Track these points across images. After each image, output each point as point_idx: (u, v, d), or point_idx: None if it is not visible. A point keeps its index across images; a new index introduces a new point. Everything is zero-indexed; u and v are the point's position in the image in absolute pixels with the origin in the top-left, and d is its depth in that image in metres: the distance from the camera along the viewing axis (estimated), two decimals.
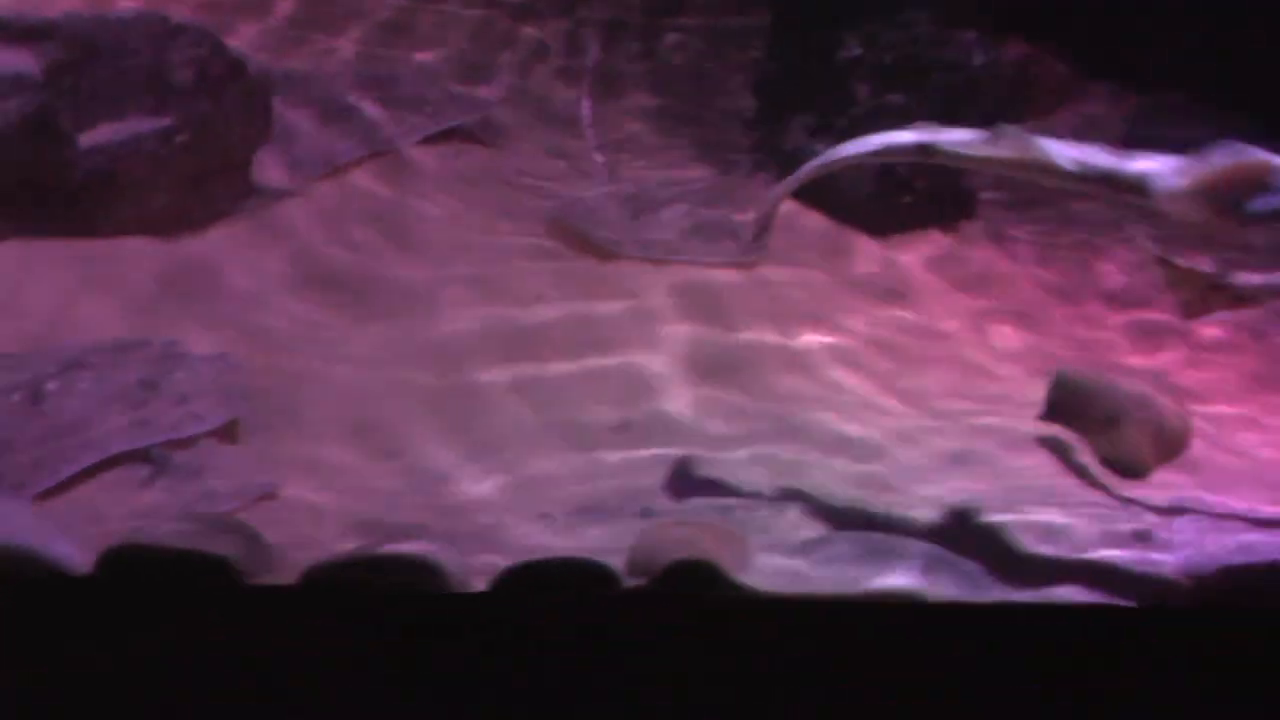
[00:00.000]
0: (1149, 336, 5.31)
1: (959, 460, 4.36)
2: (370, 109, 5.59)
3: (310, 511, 3.86)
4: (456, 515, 3.93)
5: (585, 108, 5.80)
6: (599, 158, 5.70)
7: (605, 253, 5.11)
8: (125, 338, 4.34)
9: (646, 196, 5.41)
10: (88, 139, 4.69)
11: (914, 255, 5.46)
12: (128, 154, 4.73)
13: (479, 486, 4.04)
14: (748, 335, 4.79)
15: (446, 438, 4.17)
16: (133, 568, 3.39)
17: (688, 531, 3.70)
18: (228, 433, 4.08)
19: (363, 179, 5.38)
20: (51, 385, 4.08)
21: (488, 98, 6.04)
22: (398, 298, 4.79)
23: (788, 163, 5.64)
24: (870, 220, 5.56)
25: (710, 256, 5.11)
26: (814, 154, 5.60)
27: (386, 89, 5.76)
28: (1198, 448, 4.62)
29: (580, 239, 5.14)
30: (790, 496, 4.07)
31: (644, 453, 4.24)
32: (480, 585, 3.46)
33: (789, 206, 5.55)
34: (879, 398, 4.68)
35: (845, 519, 3.93)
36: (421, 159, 5.49)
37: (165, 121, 4.79)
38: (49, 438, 3.92)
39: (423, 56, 6.27)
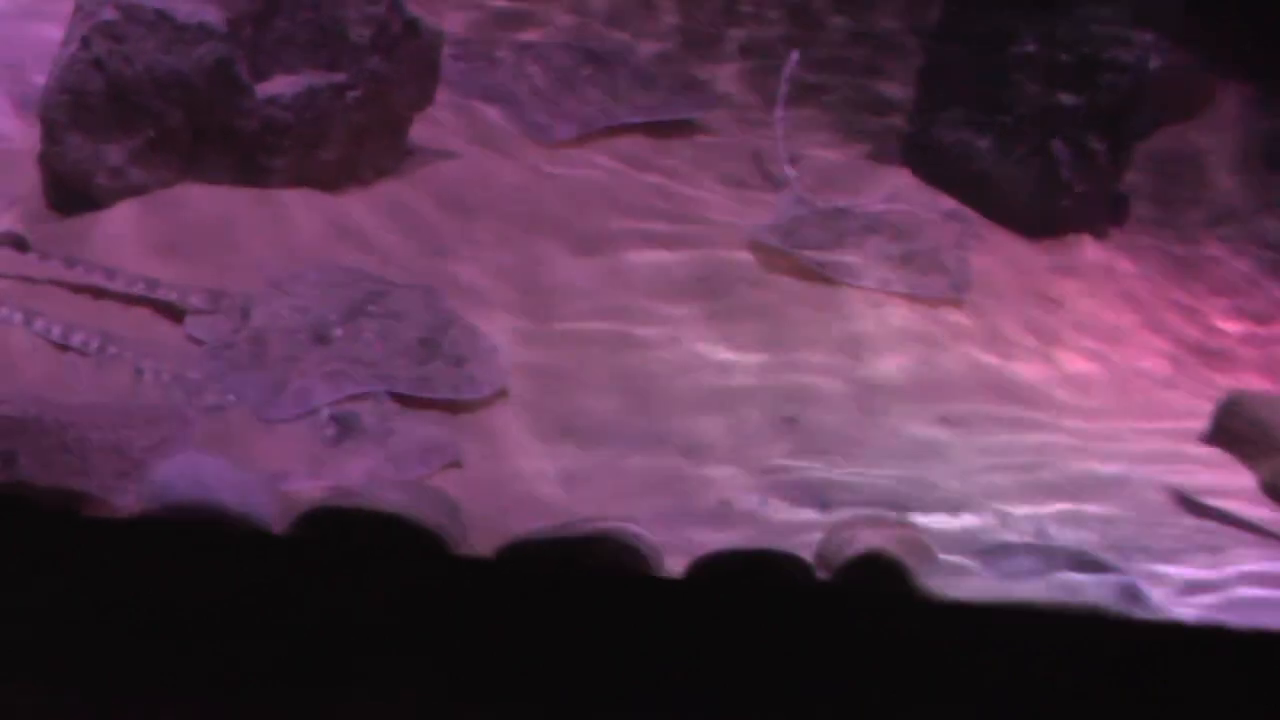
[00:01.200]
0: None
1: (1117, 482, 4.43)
2: (595, 89, 5.72)
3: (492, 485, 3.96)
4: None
5: (779, 113, 5.67)
6: (791, 171, 5.60)
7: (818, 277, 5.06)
8: (395, 281, 4.51)
9: (845, 217, 5.35)
10: (264, 90, 4.78)
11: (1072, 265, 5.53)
12: (302, 106, 4.83)
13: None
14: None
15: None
16: (332, 530, 3.49)
17: (884, 527, 3.79)
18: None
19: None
20: (337, 331, 4.27)
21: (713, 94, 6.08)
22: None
23: (942, 157, 5.75)
24: (1025, 222, 5.63)
25: (927, 291, 5.09)
26: (973, 151, 5.74)
27: (615, 69, 5.87)
28: None
29: (788, 260, 5.09)
30: (974, 503, 4.17)
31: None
32: (677, 570, 3.56)
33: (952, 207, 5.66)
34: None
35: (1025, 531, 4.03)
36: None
37: (339, 76, 4.89)
38: (337, 360, 4.15)
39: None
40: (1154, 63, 5.47)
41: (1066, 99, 5.54)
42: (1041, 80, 5.53)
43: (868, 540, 3.73)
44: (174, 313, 4.39)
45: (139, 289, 4.40)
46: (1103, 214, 5.73)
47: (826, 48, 6.57)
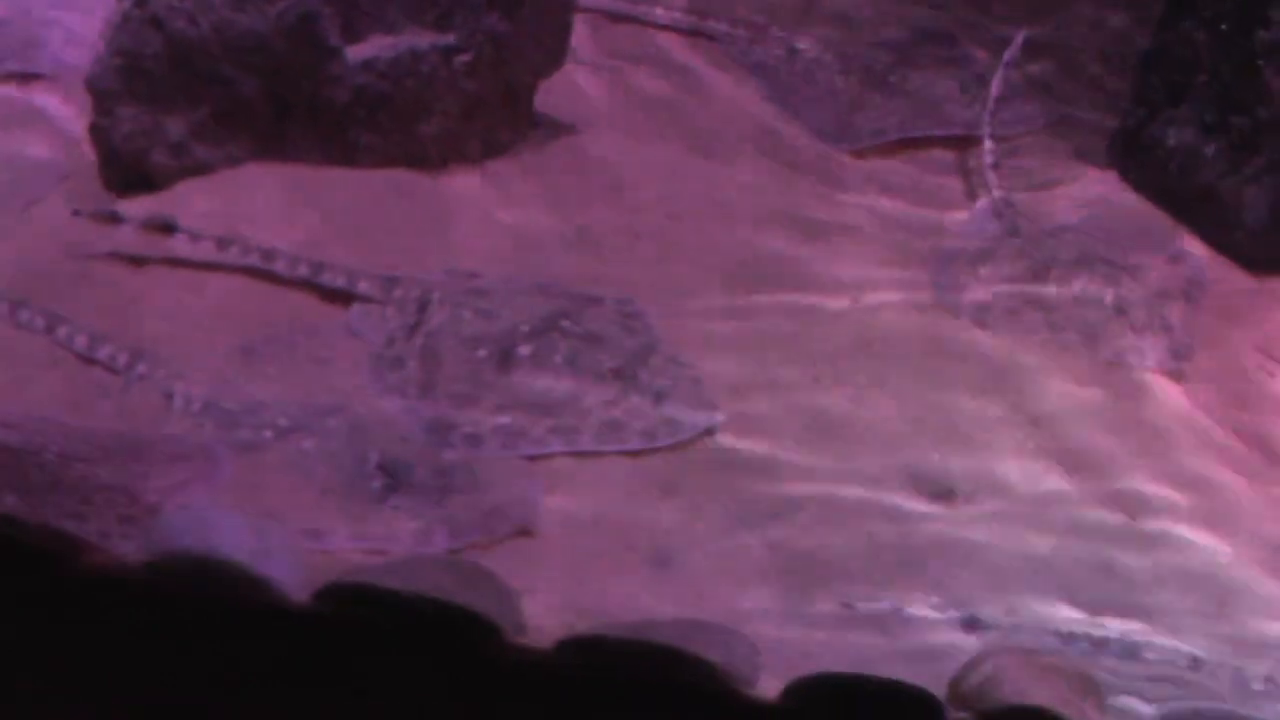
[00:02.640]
0: None
1: None
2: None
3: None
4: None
5: (990, 107, 4.90)
6: (993, 177, 4.76)
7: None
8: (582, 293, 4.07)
9: (1052, 243, 4.54)
10: (356, 53, 4.23)
11: None
12: (402, 73, 4.26)
13: None
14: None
15: None
16: (355, 607, 2.98)
17: (1042, 666, 3.10)
18: None
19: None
20: (524, 350, 3.82)
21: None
22: None
23: (1160, 163, 4.91)
24: (1254, 253, 4.70)
25: (1139, 358, 4.25)
26: (1198, 160, 4.89)
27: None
28: None
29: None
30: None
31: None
32: (768, 691, 2.96)
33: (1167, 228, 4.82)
34: None
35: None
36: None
37: (448, 38, 4.30)
38: (517, 407, 3.72)
39: None
40: None
41: None
42: None
43: (1015, 677, 3.07)
44: (342, 300, 4.00)
45: (302, 272, 4.02)
46: None
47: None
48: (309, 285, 4.05)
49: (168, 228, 4.05)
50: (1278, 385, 4.36)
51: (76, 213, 4.07)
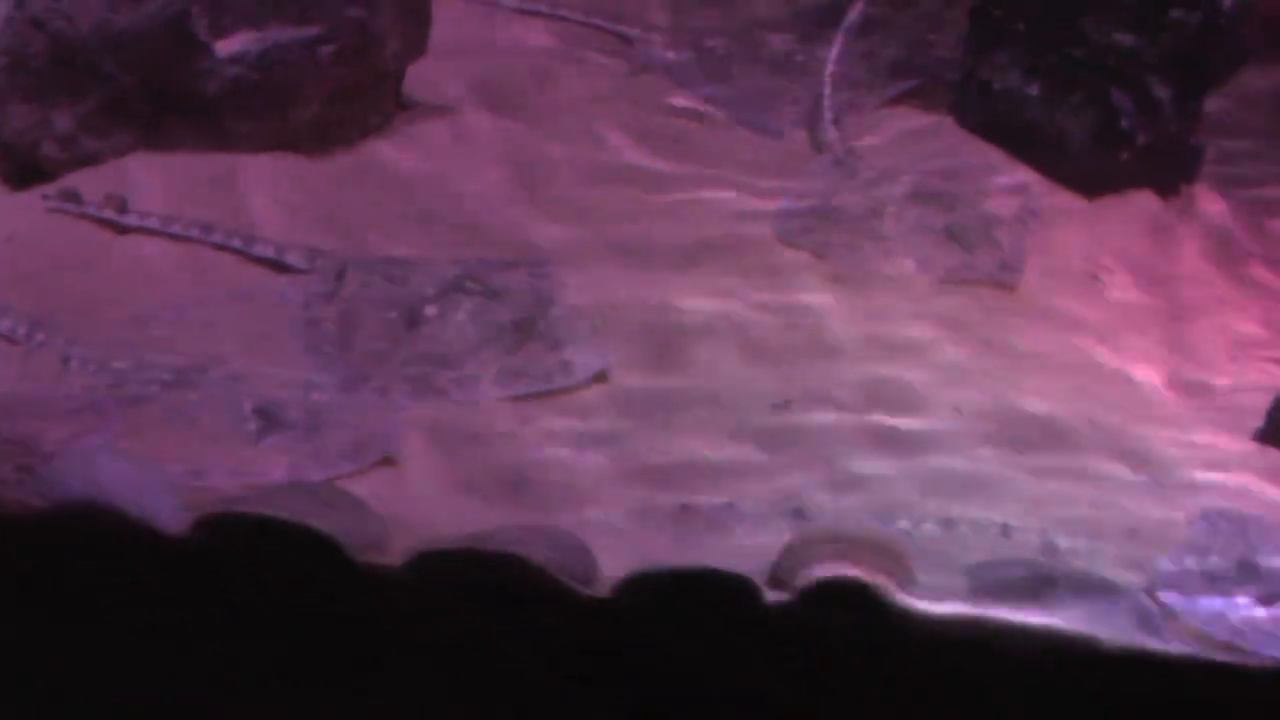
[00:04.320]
0: None
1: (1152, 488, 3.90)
2: None
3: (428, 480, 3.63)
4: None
5: (831, 67, 5.19)
6: (833, 132, 5.04)
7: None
8: (498, 258, 4.31)
9: (888, 185, 4.80)
10: (225, 47, 4.45)
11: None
12: (269, 64, 4.48)
13: None
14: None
15: None
16: (230, 536, 3.22)
17: (848, 541, 3.35)
18: None
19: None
20: (430, 310, 4.06)
21: None
22: None
23: (990, 105, 5.18)
24: (1080, 179, 4.98)
25: (973, 272, 4.56)
26: (1022, 99, 5.17)
27: None
28: None
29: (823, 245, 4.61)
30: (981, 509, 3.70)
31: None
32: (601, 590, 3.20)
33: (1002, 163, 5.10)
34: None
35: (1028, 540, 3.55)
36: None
37: (311, 30, 4.51)
38: (423, 361, 3.96)
39: None
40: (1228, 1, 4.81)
41: (1127, 40, 4.86)
42: (1100, 19, 4.88)
43: (827, 558, 3.32)
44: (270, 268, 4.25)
45: (235, 243, 4.28)
46: (1171, 169, 5.08)
47: None
48: (242, 256, 4.28)
49: (122, 206, 4.29)
50: (1102, 287, 4.69)
51: (46, 197, 4.30)
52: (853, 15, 5.41)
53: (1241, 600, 3.25)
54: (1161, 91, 4.94)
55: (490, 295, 4.11)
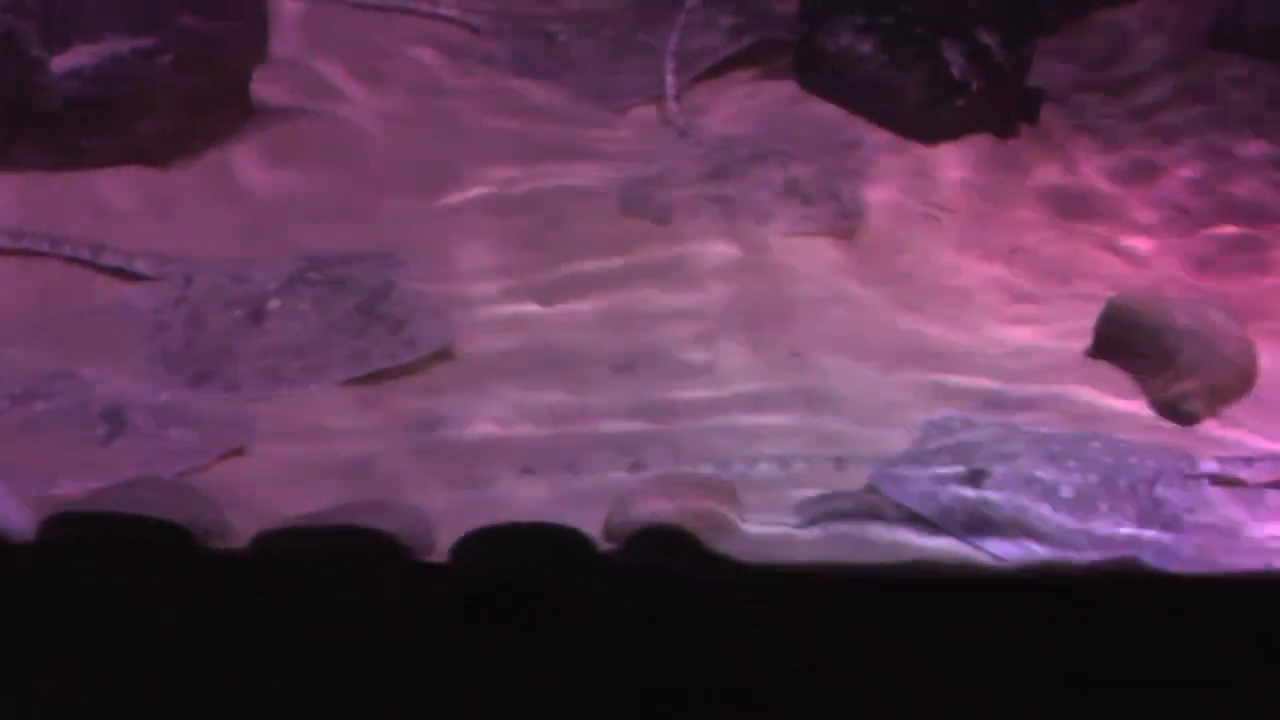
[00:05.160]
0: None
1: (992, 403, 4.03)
2: None
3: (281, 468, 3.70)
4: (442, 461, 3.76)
5: (672, 46, 5.30)
6: (674, 106, 5.15)
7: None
8: (347, 252, 4.36)
9: (729, 150, 4.92)
10: (61, 63, 4.47)
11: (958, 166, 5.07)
12: (109, 78, 4.52)
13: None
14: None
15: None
16: (77, 534, 3.29)
17: (672, 490, 3.45)
18: None
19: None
20: (273, 304, 4.12)
21: None
22: None
23: (829, 66, 5.30)
24: (920, 129, 5.14)
25: (811, 224, 4.66)
26: (858, 57, 5.28)
27: None
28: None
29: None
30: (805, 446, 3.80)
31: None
32: (440, 554, 3.29)
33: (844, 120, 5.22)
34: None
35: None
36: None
37: (147, 40, 4.55)
38: (271, 354, 4.03)
39: None
40: None
41: None
42: None
43: (657, 507, 3.42)
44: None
45: (84, 254, 4.31)
46: (1007, 114, 5.21)
47: None
48: (92, 267, 4.31)
49: None
50: (940, 227, 4.83)
51: None
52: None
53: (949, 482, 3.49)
54: (990, 40, 5.09)
55: (334, 284, 4.16)
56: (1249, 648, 3.07)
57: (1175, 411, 4.07)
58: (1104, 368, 4.20)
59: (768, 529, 3.42)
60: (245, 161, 4.81)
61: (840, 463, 3.68)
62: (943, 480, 3.47)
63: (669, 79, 5.21)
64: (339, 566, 3.25)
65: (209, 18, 4.62)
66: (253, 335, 4.08)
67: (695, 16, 5.47)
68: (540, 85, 5.34)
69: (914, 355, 4.19)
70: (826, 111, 5.23)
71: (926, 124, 5.14)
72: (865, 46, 5.17)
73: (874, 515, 3.45)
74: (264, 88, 4.98)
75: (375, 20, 5.58)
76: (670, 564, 3.23)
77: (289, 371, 4.00)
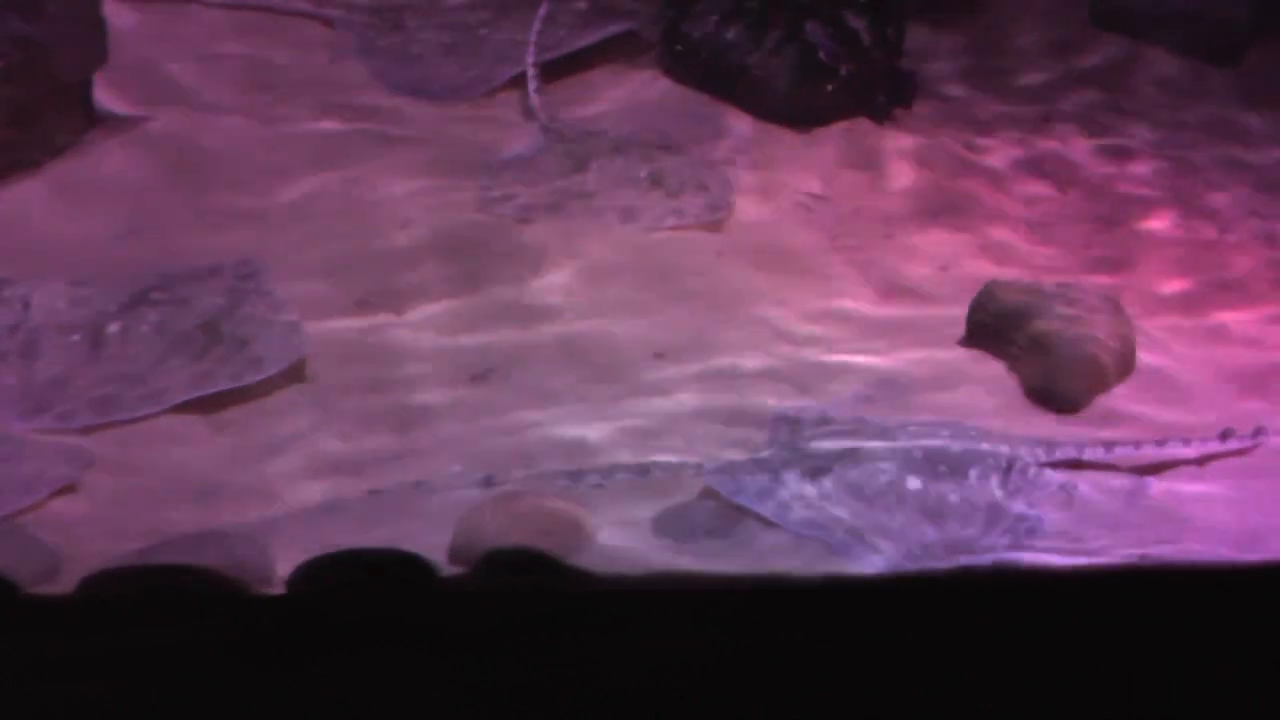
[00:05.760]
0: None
1: (865, 399, 3.91)
2: None
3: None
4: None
5: (533, 37, 5.12)
6: (536, 100, 4.97)
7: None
8: (199, 266, 4.16)
9: (592, 140, 4.76)
10: None
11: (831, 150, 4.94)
12: None
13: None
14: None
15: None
16: None
17: (520, 508, 3.29)
18: None
19: None
20: (113, 327, 3.91)
21: None
22: None
23: (695, 55, 5.14)
24: (791, 114, 5.01)
25: (677, 219, 4.50)
26: (723, 45, 5.13)
27: None
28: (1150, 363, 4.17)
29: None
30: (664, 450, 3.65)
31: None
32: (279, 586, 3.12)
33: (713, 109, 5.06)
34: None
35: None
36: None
37: None
38: (109, 381, 3.83)
39: None
40: None
41: None
42: None
43: (501, 527, 3.26)
44: None
45: None
46: (879, 97, 5.09)
47: None
48: None
49: None
50: (811, 214, 4.69)
51: None
52: None
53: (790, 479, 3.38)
54: (857, 23, 4.96)
55: (177, 303, 3.96)
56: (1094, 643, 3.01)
57: (1048, 398, 3.97)
58: (977, 355, 4.09)
59: (619, 542, 3.28)
60: (88, 171, 4.57)
61: (699, 468, 3.55)
62: (783, 479, 3.35)
63: (530, 71, 5.03)
64: (168, 606, 3.10)
65: (39, 23, 4.36)
66: (91, 362, 3.86)
67: (556, 6, 5.29)
68: (390, 79, 5.13)
69: (776, 342, 4.09)
70: (694, 99, 5.07)
71: (796, 109, 5.00)
72: (730, 33, 5.02)
73: (722, 520, 3.33)
74: (105, 94, 4.74)
75: (225, 19, 5.34)
76: (519, 584, 3.09)
77: (128, 399, 3.77)
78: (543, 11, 5.21)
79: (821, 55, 4.94)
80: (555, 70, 5.15)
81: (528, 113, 4.98)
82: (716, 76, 5.06)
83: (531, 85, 4.99)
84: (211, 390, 3.78)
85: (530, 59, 5.05)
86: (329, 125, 4.85)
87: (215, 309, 3.95)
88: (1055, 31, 5.98)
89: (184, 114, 4.82)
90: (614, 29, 5.32)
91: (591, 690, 2.99)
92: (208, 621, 3.04)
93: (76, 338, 3.90)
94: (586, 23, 5.31)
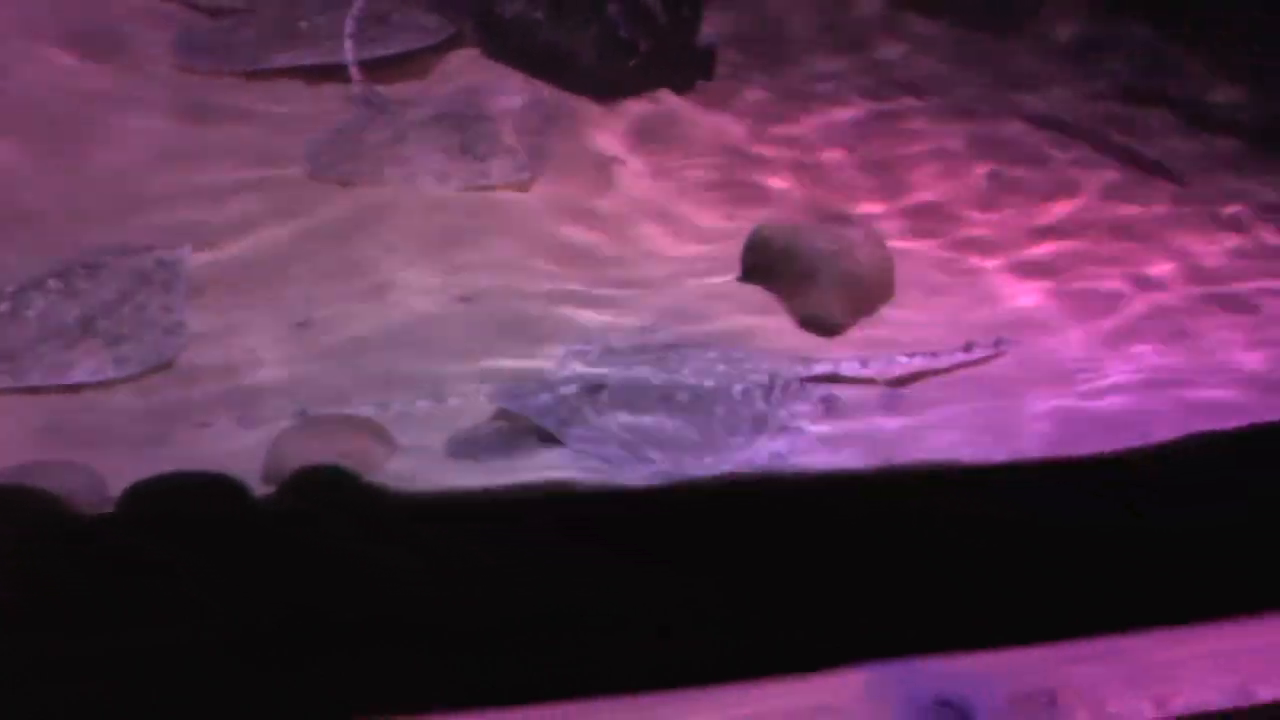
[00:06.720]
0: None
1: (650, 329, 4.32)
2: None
3: None
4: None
5: (351, 25, 5.40)
6: (357, 75, 5.30)
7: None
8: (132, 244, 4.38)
9: (409, 115, 5.10)
10: None
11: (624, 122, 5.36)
12: None
13: None
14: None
15: None
16: None
17: (323, 432, 3.66)
18: None
19: None
20: (2, 307, 4.12)
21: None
22: None
23: (505, 32, 5.53)
24: (597, 87, 5.41)
25: (485, 178, 4.89)
26: (531, 24, 5.52)
27: None
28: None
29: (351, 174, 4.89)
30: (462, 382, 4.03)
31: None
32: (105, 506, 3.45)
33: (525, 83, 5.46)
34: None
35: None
36: None
37: None
38: None
39: None
40: None
41: None
42: None
43: (300, 447, 3.63)
44: None
45: None
46: (679, 69, 5.52)
47: None
48: None
49: None
50: (621, 172, 5.11)
51: None
52: None
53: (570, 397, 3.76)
54: (651, 2, 5.38)
55: (69, 294, 4.21)
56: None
57: (816, 324, 4.40)
58: (753, 290, 4.52)
59: (417, 463, 3.64)
60: None
61: (492, 396, 3.91)
62: (564, 396, 3.73)
63: (349, 49, 5.33)
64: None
65: None
66: None
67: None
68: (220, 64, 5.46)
69: (577, 280, 4.49)
70: (507, 76, 5.43)
71: (602, 83, 5.39)
72: (537, 13, 5.42)
73: (514, 438, 3.70)
74: None
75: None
76: (324, 501, 3.45)
77: None
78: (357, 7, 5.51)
79: (621, 33, 5.35)
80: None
81: (351, 89, 5.31)
82: (528, 54, 5.45)
83: (350, 59, 5.30)
84: (64, 382, 3.99)
85: (347, 30, 5.37)
86: (152, 119, 5.10)
87: (100, 304, 4.18)
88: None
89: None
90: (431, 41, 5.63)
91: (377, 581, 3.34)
92: (41, 535, 3.39)
93: None
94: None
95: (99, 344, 4.13)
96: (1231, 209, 5.36)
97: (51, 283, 4.25)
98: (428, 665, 3.10)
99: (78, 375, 4.03)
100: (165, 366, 4.08)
